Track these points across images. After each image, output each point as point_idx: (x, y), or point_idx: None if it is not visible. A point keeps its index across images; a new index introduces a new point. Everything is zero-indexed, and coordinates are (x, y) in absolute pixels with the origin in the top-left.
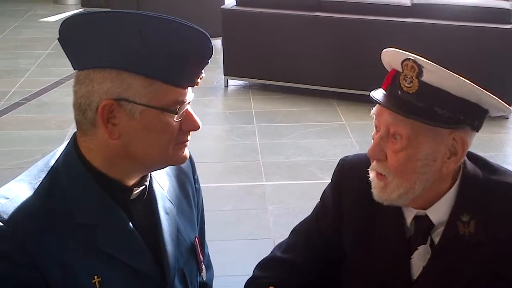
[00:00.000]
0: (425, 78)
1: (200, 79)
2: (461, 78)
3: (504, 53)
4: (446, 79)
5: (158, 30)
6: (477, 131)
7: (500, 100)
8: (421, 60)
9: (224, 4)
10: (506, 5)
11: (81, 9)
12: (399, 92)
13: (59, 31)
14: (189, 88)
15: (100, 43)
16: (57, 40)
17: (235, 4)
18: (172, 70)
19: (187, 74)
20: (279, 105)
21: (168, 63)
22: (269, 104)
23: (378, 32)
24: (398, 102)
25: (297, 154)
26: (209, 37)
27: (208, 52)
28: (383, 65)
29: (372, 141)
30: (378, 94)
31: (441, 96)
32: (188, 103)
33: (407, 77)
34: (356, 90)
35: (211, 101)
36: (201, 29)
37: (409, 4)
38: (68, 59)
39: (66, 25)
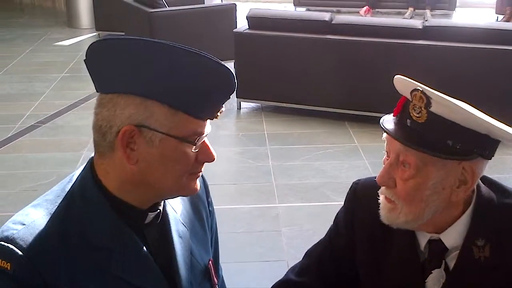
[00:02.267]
0: (434, 109)
1: (220, 113)
2: (470, 110)
3: None
4: (454, 111)
5: (187, 64)
6: (489, 159)
7: (510, 131)
8: (429, 91)
9: (236, 27)
10: None
11: (95, 33)
12: (409, 121)
13: (87, 53)
14: (208, 120)
15: (128, 69)
16: (71, 64)
17: (247, 27)
18: (196, 103)
19: (210, 108)
20: (291, 127)
21: (193, 96)
22: (281, 126)
23: (390, 54)
24: (407, 132)
25: (310, 176)
26: (234, 74)
27: (232, 89)
28: (395, 87)
29: (383, 165)
30: (388, 120)
31: (450, 127)
32: (206, 135)
33: (416, 107)
34: (369, 112)
35: (224, 123)
36: (226, 66)
37: (420, 27)
38: (92, 81)
39: (94, 48)
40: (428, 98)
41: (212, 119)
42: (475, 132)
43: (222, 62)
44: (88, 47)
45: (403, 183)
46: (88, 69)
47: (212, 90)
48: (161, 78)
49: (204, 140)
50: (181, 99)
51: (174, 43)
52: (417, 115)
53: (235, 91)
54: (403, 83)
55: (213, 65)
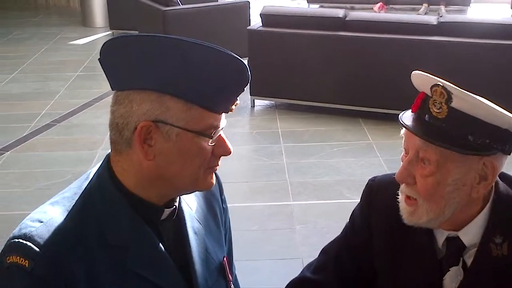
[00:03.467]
0: (455, 104)
1: (235, 105)
2: (491, 104)
3: None
4: (475, 106)
5: (201, 57)
6: (509, 155)
7: None
8: (450, 86)
9: (250, 25)
10: None
11: (109, 32)
12: (428, 117)
13: (101, 51)
14: (223, 114)
15: (142, 66)
16: (86, 63)
17: (261, 25)
18: (211, 97)
19: (225, 101)
20: (305, 124)
21: (208, 89)
22: (295, 124)
23: (404, 50)
24: (427, 128)
25: (324, 174)
26: (247, 66)
27: (246, 81)
28: (410, 83)
29: (401, 162)
30: (407, 117)
31: (471, 122)
32: (222, 129)
33: (436, 102)
34: (383, 109)
35: (238, 121)
36: (240, 58)
37: (435, 23)
38: (108, 79)
39: (108, 46)
40: (449, 93)
41: (227, 112)
42: (496, 127)
43: (235, 55)
44: (102, 46)
45: (423, 180)
46: (102, 68)
47: (226, 83)
48: (175, 72)
49: (220, 134)
50: (196, 93)
51: (187, 38)
52: (438, 111)
53: (248, 86)
54: (423, 79)
55: (226, 58)
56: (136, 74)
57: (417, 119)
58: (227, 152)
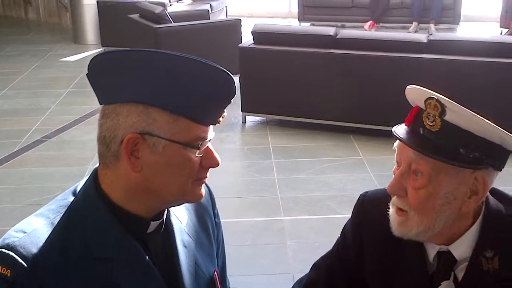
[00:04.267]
0: (448, 117)
1: (222, 117)
2: (484, 119)
3: None
4: (469, 120)
5: (186, 70)
6: (500, 171)
7: None
8: (444, 99)
9: (241, 42)
10: None
11: (101, 49)
12: (422, 130)
13: (88, 67)
14: (211, 126)
15: (128, 79)
16: (77, 79)
17: (252, 42)
18: (198, 109)
19: (211, 113)
20: (296, 140)
21: (194, 101)
22: (286, 140)
23: (394, 68)
24: (420, 140)
25: (315, 189)
26: (233, 78)
27: (232, 93)
28: (400, 100)
29: (393, 175)
30: (400, 130)
31: (464, 136)
32: (209, 140)
33: (430, 115)
34: (373, 125)
35: (229, 137)
36: (226, 71)
37: (425, 41)
38: (95, 94)
39: (95, 61)
40: (442, 106)
41: (215, 124)
42: (488, 142)
43: (221, 67)
44: (90, 62)
45: (415, 192)
46: (90, 83)
47: (212, 95)
48: (160, 85)
49: (207, 146)
50: (182, 105)
51: (173, 52)
52: (431, 124)
53: (240, 102)
54: (417, 92)
55: (212, 70)
56: (122, 88)
57: (411, 132)
58: (215, 164)
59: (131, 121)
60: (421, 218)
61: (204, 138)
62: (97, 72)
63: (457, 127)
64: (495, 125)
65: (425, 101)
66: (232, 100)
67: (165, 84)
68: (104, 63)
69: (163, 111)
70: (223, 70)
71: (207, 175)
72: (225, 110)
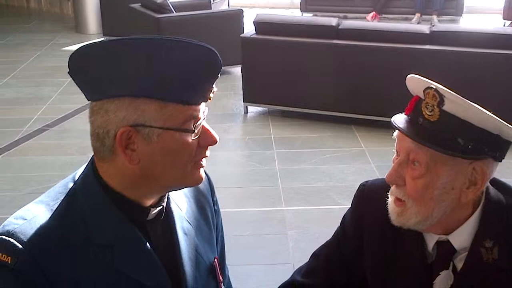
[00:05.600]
0: (446, 107)
1: (213, 93)
2: (483, 109)
3: None
4: (467, 110)
5: (164, 53)
6: (500, 162)
7: None
8: (442, 89)
9: (243, 32)
10: None
11: (102, 38)
12: (421, 119)
13: (68, 65)
14: (203, 103)
15: (109, 73)
16: None
17: (254, 32)
18: (184, 90)
19: (199, 91)
20: (298, 131)
21: (178, 84)
22: (288, 130)
23: (397, 59)
24: (418, 130)
25: (316, 180)
26: (216, 51)
27: (216, 67)
28: (402, 91)
29: (392, 164)
30: (399, 119)
31: (462, 126)
32: (203, 119)
33: (428, 105)
34: (375, 116)
35: (231, 127)
36: (206, 44)
37: (427, 32)
38: (81, 91)
39: (73, 59)
40: (441, 96)
41: (206, 101)
42: (487, 132)
43: (203, 43)
44: (68, 60)
45: (413, 182)
46: (74, 81)
47: (196, 72)
48: (142, 74)
49: (203, 124)
50: (167, 91)
51: (150, 35)
52: (430, 113)
53: (242, 92)
54: (416, 82)
55: (191, 48)
56: (106, 83)
57: (410, 121)
58: (213, 142)
59: (121, 115)
60: (419, 208)
61: (197, 117)
62: (77, 69)
63: (455, 117)
64: (493, 115)
65: (424, 90)
66: (219, 75)
67: (145, 73)
68: (82, 59)
69: (150, 100)
70: (203, 45)
71: (207, 153)
72: (214, 85)
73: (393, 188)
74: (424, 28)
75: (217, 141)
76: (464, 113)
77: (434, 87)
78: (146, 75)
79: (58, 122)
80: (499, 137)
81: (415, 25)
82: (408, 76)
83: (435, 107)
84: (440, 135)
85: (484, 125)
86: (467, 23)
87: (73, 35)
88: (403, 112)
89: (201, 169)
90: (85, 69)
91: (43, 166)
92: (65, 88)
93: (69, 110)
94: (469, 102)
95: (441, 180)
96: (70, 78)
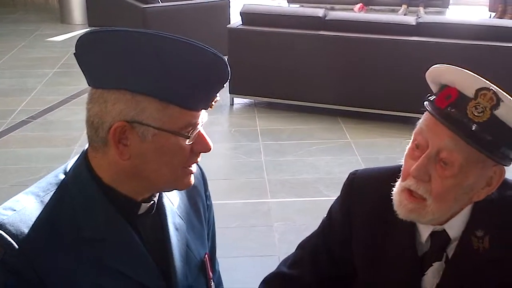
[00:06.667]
0: (499, 112)
1: (215, 102)
2: None
3: (509, 72)
4: None
5: (176, 54)
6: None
7: None
8: (501, 93)
9: (229, 23)
10: (511, 23)
11: (88, 29)
12: (463, 118)
13: (76, 46)
14: (203, 110)
15: (116, 64)
16: (63, 60)
17: (241, 23)
18: (188, 95)
19: (203, 98)
20: (284, 123)
21: (184, 88)
22: (274, 122)
23: (383, 50)
24: (462, 127)
25: (302, 172)
26: (226, 61)
27: (225, 77)
28: (388, 82)
29: (405, 154)
30: (434, 110)
31: (505, 132)
32: (201, 125)
33: (479, 106)
34: (361, 108)
35: (217, 119)
36: (219, 54)
37: (414, 23)
38: (84, 74)
39: (82, 41)
40: (498, 100)
41: (207, 109)
42: None
43: (214, 50)
44: (77, 40)
45: (441, 181)
46: (78, 62)
47: (204, 79)
48: (148, 71)
49: (199, 130)
50: (171, 92)
51: (163, 32)
52: (478, 114)
53: (228, 84)
54: (466, 77)
55: (204, 54)
56: (110, 73)
57: (448, 116)
58: (207, 149)
59: (119, 108)
60: (438, 207)
61: (195, 124)
62: (84, 52)
63: (502, 122)
64: None
65: (479, 90)
66: (224, 85)
67: (153, 71)
68: (91, 43)
69: (152, 99)
70: (216, 54)
71: (199, 159)
72: (217, 94)
73: (410, 181)
74: (411, 20)
75: (210, 149)
76: None
77: (494, 90)
78: (154, 73)
79: (42, 114)
80: None
81: (402, 16)
82: (447, 66)
83: (487, 109)
84: (481, 136)
85: None
86: (453, 15)
87: (58, 26)
88: (428, 101)
89: (191, 175)
90: (92, 53)
91: (27, 159)
92: (49, 80)
93: (53, 101)
94: None
95: (469, 181)
96: (55, 70)
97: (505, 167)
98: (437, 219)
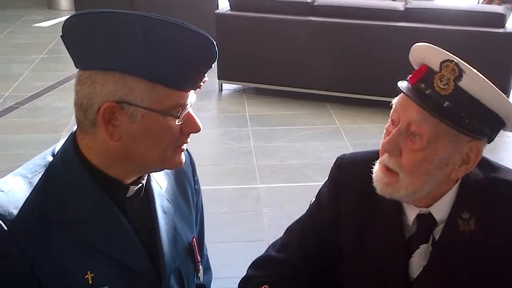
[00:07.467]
0: (463, 83)
1: (203, 82)
2: (499, 91)
3: (497, 57)
4: (483, 89)
5: (163, 34)
6: (489, 143)
7: None
8: (463, 64)
9: (218, 8)
10: (499, 9)
11: None
12: (430, 91)
13: (63, 28)
14: (191, 91)
15: (104, 45)
16: (50, 45)
17: (229, 8)
18: (176, 75)
19: (191, 78)
20: (273, 108)
21: (172, 67)
22: (263, 108)
23: (371, 36)
24: (428, 101)
25: (291, 157)
26: (214, 41)
27: (212, 57)
28: (377, 68)
29: (384, 131)
30: (405, 87)
31: (473, 105)
32: (190, 106)
33: (443, 78)
34: (350, 93)
35: (205, 105)
36: (206, 34)
37: (402, 9)
38: (71, 56)
39: (69, 23)
40: (460, 71)
41: (195, 89)
42: (495, 115)
43: (202, 31)
44: (64, 22)
45: (411, 154)
46: (65, 45)
47: (192, 60)
48: (136, 51)
49: (188, 111)
50: (159, 72)
51: (149, 13)
52: (443, 87)
53: (216, 70)
54: (433, 52)
55: (191, 34)
56: (98, 54)
57: (417, 90)
58: (196, 130)
59: (107, 89)
60: (411, 181)
61: (184, 105)
62: (71, 34)
63: (468, 94)
64: (508, 99)
65: (442, 62)
66: (213, 65)
67: (141, 51)
68: (79, 25)
69: (140, 79)
70: (203, 34)
71: (188, 140)
72: (206, 74)
73: (384, 156)
74: (399, 5)
75: (200, 129)
76: (479, 92)
77: (456, 61)
78: (141, 53)
79: (29, 100)
80: (502, 120)
81: (390, 2)
82: (418, 44)
83: (450, 81)
84: (449, 110)
85: (495, 107)
86: (442, 0)
87: (45, 12)
88: (405, 80)
89: (182, 153)
90: (79, 35)
91: (15, 145)
92: (36, 65)
93: (41, 87)
94: (488, 81)
95: (439, 155)
96: (42, 55)
97: (485, 145)
98: (413, 194)
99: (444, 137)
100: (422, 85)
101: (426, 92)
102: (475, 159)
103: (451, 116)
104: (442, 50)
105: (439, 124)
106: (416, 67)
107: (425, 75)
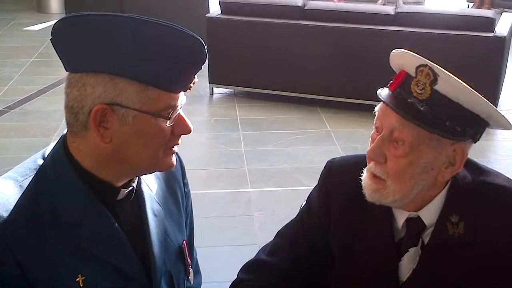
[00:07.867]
0: (439, 87)
1: (193, 84)
2: (475, 92)
3: (486, 61)
4: (460, 92)
5: (152, 35)
6: (475, 143)
7: (507, 118)
8: (437, 68)
9: (209, 12)
10: (489, 13)
11: None
12: (408, 97)
13: (52, 31)
14: (182, 92)
15: (93, 47)
16: (41, 49)
17: (220, 12)
18: (166, 76)
19: (181, 80)
20: (264, 112)
21: (162, 69)
22: (254, 112)
23: (362, 40)
24: (406, 107)
25: (282, 161)
26: (203, 42)
27: (202, 58)
28: (368, 73)
29: (370, 139)
30: (385, 94)
31: (451, 108)
32: (180, 107)
33: (419, 83)
34: (341, 97)
35: (196, 109)
36: (195, 35)
37: (392, 13)
38: (60, 60)
39: (59, 26)
40: (435, 75)
41: (185, 91)
42: (475, 115)
43: (191, 32)
44: (53, 26)
45: (396, 160)
46: (55, 49)
47: (181, 60)
48: (126, 54)
49: (179, 113)
50: (149, 74)
51: (138, 15)
52: (420, 92)
53: (207, 74)
54: (408, 58)
55: (180, 35)
56: (88, 56)
57: (396, 98)
58: (187, 131)
59: (98, 91)
60: (398, 187)
61: (174, 106)
62: (61, 37)
63: (446, 97)
64: (485, 100)
65: (417, 67)
66: (202, 66)
67: (130, 53)
68: (68, 28)
69: (131, 81)
70: (192, 35)
71: (179, 142)
72: (195, 76)
73: (371, 164)
74: (389, 10)
75: (191, 131)
76: (456, 95)
77: (429, 65)
78: (131, 55)
79: (20, 104)
80: (484, 121)
81: (381, 6)
82: (396, 50)
83: (427, 85)
84: (427, 114)
85: (474, 108)
86: (432, 4)
87: (35, 15)
88: (386, 87)
89: (173, 155)
90: (68, 38)
91: (5, 149)
92: (27, 69)
93: (31, 91)
94: (463, 84)
95: (424, 159)
96: (32, 59)
97: (471, 146)
98: (401, 199)
99: (426, 141)
100: (401, 91)
101: (405, 97)
102: (461, 161)
103: (429, 120)
104: (416, 54)
105: (419, 130)
106: None
107: (403, 81)
